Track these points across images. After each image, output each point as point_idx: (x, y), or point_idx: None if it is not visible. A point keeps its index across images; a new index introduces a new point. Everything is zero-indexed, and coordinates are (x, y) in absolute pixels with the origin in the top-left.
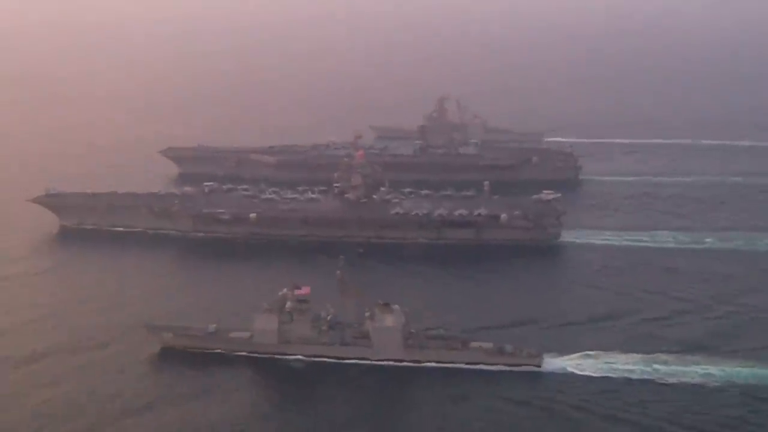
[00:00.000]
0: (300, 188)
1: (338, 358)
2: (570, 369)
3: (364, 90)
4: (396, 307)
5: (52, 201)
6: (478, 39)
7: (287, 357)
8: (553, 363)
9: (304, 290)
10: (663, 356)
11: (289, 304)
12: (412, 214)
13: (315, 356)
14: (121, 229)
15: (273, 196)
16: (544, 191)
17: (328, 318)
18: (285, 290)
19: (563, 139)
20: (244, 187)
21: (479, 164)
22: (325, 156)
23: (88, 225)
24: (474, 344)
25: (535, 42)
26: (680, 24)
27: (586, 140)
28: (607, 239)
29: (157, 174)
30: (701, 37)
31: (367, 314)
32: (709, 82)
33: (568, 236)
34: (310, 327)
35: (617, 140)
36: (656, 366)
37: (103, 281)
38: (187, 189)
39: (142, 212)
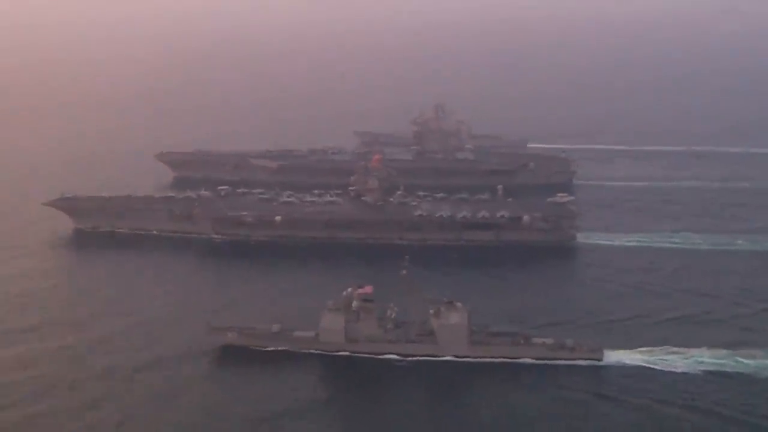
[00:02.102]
0: (315, 192)
1: (404, 355)
2: (630, 362)
3: (347, 96)
4: (459, 304)
5: (67, 204)
6: (460, 47)
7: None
8: (613, 356)
9: (367, 289)
10: (736, 350)
11: (355, 303)
12: (437, 216)
13: (381, 353)
14: (138, 232)
15: (291, 199)
16: (558, 194)
17: (393, 316)
18: (349, 289)
19: (547, 146)
20: (260, 190)
21: (478, 169)
22: (327, 161)
23: (103, 228)
24: (536, 340)
25: (517, 50)
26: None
27: (569, 146)
28: (622, 241)
29: (151, 178)
30: (690, 45)
31: (431, 312)
32: (697, 90)
33: (580, 237)
34: (377, 325)
35: (602, 146)
36: (712, 359)
37: (136, 283)
38: (204, 192)
39: (161, 215)
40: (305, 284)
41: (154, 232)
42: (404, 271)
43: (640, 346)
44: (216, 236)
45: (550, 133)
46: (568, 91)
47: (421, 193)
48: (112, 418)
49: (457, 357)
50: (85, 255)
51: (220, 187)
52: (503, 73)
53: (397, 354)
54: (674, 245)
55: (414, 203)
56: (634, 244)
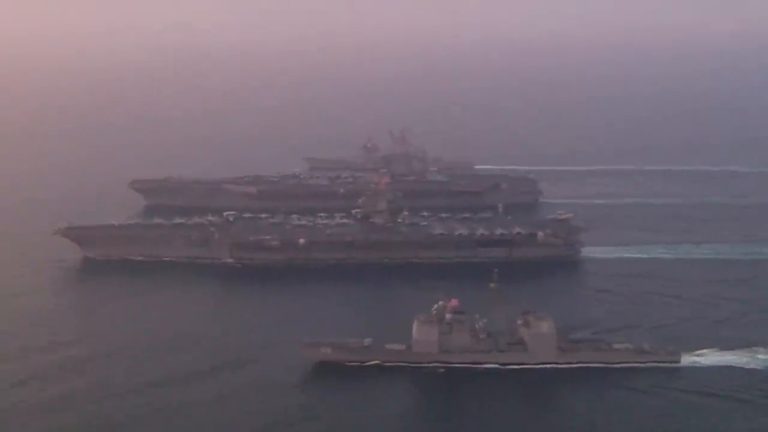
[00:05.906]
0: (322, 214)
1: (496, 364)
2: (707, 363)
3: (295, 124)
4: (545, 314)
5: (76, 233)
6: (400, 74)
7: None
8: (689, 359)
9: (454, 302)
10: None
11: (448, 316)
12: (456, 234)
13: (474, 363)
14: (150, 259)
15: (303, 222)
16: (558, 211)
17: (482, 327)
18: (441, 302)
19: (493, 167)
20: (266, 215)
21: (451, 190)
22: (303, 185)
23: (114, 256)
24: (617, 345)
25: (454, 76)
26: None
27: (514, 167)
28: (620, 253)
29: (122, 206)
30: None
31: (519, 322)
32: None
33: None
34: (469, 336)
35: (553, 168)
36: None
37: (175, 310)
38: (212, 218)
39: (177, 242)
40: (354, 303)
41: (167, 258)
42: (492, 284)
43: (710, 348)
44: (231, 260)
45: (492, 155)
46: (508, 115)
47: (425, 213)
48: None
49: (546, 364)
50: (106, 283)
51: (226, 213)
52: (443, 97)
53: (490, 363)
54: (668, 256)
55: (424, 223)
56: (631, 255)
